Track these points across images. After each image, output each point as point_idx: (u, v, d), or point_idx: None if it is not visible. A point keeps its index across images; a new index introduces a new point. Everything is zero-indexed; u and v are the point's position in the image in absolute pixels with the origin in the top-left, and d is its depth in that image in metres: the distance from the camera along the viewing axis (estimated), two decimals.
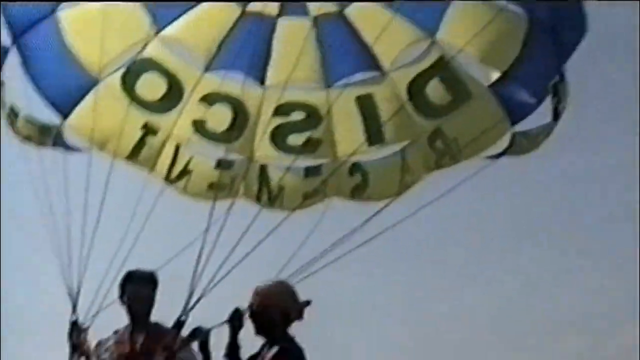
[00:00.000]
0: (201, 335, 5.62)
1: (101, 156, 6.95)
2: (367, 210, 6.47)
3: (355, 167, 7.28)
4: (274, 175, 7.36)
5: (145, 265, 6.08)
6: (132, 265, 6.11)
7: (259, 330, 5.27)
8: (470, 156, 6.90)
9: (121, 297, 5.93)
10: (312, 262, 6.02)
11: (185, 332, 5.81)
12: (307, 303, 5.37)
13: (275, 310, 5.27)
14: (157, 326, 5.93)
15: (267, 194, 7.31)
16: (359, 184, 7.29)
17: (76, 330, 5.86)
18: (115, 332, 5.92)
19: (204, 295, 6.01)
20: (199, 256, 6.02)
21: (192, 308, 5.95)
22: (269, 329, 5.26)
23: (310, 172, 7.35)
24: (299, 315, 5.32)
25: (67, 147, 7.01)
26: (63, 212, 6.20)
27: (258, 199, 7.33)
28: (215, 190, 7.16)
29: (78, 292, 6.02)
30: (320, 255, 6.07)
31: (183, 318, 5.85)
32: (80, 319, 5.97)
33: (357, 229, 6.20)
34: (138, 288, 5.87)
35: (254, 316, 5.35)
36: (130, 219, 6.41)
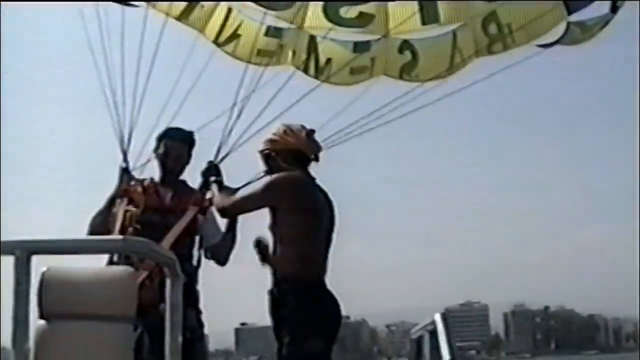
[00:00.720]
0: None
1: (156, 13, 6.98)
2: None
3: (405, 45, 7.21)
4: (323, 47, 7.31)
5: (189, 124, 6.19)
6: (177, 123, 6.24)
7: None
8: (522, 43, 6.84)
9: (156, 150, 6.00)
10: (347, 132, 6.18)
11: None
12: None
13: (283, 149, 5.41)
14: (185, 184, 6.01)
15: (315, 64, 7.32)
16: (408, 62, 7.24)
17: (126, 176, 6.01)
18: (140, 181, 5.96)
19: (232, 151, 6.19)
20: (237, 114, 6.17)
21: (220, 161, 6.14)
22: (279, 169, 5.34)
23: (359, 47, 7.29)
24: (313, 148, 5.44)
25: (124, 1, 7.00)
26: (118, 64, 6.28)
27: (305, 69, 7.35)
28: (263, 56, 7.21)
29: (129, 141, 6.17)
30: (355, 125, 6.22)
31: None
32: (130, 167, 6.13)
33: (400, 104, 6.30)
34: (173, 144, 5.95)
35: (266, 160, 5.51)
36: (179, 76, 6.53)
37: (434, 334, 3.44)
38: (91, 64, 6.33)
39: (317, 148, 5.51)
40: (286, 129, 5.52)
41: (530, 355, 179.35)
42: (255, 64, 7.14)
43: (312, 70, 7.33)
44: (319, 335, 4.92)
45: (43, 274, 3.64)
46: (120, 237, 3.22)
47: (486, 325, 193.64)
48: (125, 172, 6.04)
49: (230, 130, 6.26)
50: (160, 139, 6.00)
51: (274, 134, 5.55)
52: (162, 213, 5.72)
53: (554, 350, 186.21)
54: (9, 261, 3.06)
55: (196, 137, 6.08)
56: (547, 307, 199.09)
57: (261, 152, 5.57)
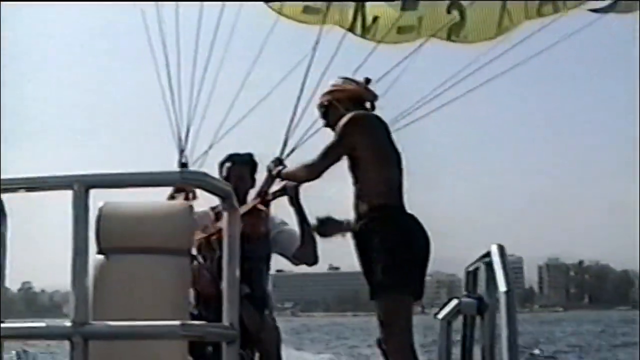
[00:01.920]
0: (290, 190, 5.71)
1: None
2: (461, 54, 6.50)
3: (453, 5, 7.16)
4: (370, 5, 7.28)
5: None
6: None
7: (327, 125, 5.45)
8: (574, 6, 6.76)
9: (219, 176, 5.93)
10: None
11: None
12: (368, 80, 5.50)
13: (343, 97, 5.39)
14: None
15: (362, 22, 7.28)
16: (457, 22, 7.18)
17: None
18: (212, 208, 5.85)
19: (298, 147, 6.21)
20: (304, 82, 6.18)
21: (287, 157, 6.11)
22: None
23: (407, 5, 7.25)
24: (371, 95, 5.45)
25: None
26: (175, 53, 6.35)
27: (352, 28, 7.31)
28: (310, 14, 7.18)
29: (187, 137, 6.22)
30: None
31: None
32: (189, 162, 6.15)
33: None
34: (234, 166, 5.90)
35: (325, 112, 5.49)
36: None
37: (489, 265, 3.39)
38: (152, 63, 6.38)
39: (375, 96, 5.51)
40: (344, 79, 5.55)
41: (563, 309, 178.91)
42: (302, 22, 7.13)
43: (358, 29, 7.28)
44: (410, 261, 4.86)
45: (100, 209, 3.73)
46: (177, 169, 3.17)
47: (520, 278, 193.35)
48: (184, 166, 6.02)
49: (295, 124, 6.25)
50: (222, 164, 6.00)
51: (333, 85, 5.55)
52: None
53: (587, 305, 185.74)
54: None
55: (257, 159, 6.04)
56: (581, 262, 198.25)
57: (320, 104, 5.55)
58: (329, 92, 5.50)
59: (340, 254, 5.09)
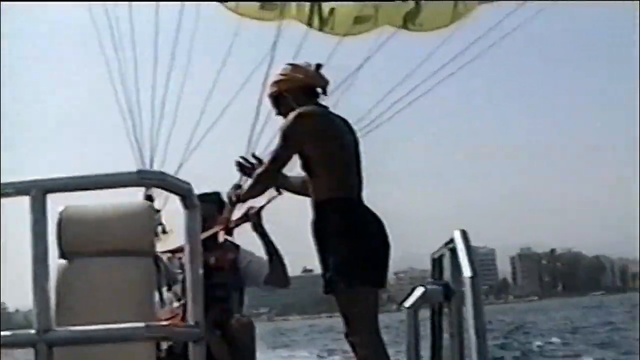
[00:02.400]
0: (252, 216, 5.62)
1: None
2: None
3: None
4: None
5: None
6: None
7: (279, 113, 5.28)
8: None
9: None
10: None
11: None
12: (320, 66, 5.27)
13: (292, 87, 5.19)
14: (228, 242, 5.87)
15: (319, 16, 7.25)
16: (411, 10, 7.18)
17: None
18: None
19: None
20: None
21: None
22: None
23: None
24: (322, 81, 5.25)
25: None
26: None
27: (309, 22, 7.28)
28: (267, 9, 7.15)
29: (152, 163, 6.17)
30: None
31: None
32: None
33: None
34: (204, 206, 5.77)
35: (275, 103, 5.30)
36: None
37: (454, 251, 3.34)
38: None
39: (326, 81, 5.27)
40: (292, 66, 5.30)
41: (538, 298, 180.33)
42: (259, 18, 7.09)
43: (316, 23, 7.26)
44: (364, 250, 4.73)
45: (61, 213, 3.66)
46: (134, 169, 3.08)
47: (493, 270, 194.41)
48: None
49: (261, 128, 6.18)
50: None
51: (280, 74, 5.30)
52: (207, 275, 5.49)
53: (561, 292, 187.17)
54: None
55: (223, 197, 5.87)
56: (553, 250, 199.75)
57: (270, 95, 5.32)
58: (276, 82, 5.27)
59: (313, 256, 5.02)
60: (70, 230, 3.65)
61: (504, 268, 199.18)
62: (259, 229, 5.71)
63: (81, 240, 3.69)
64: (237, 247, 5.79)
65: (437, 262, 4.08)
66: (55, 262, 3.85)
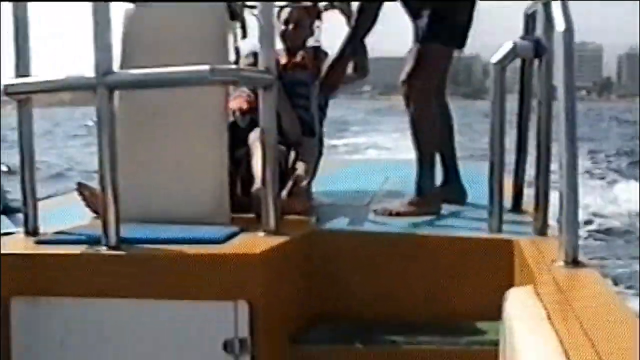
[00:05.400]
0: None
1: None
2: None
3: None
4: None
5: None
6: None
7: None
8: None
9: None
10: None
11: None
12: None
13: None
14: None
15: None
16: None
17: None
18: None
19: None
20: None
21: None
22: None
23: None
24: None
25: None
26: None
27: None
28: None
29: None
30: None
31: None
32: None
33: None
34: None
35: None
36: None
37: (547, 5, 2.97)
38: None
39: None
40: None
41: None
42: None
43: None
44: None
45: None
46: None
47: (599, 67, 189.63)
48: None
49: None
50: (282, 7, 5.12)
51: None
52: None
53: None
54: None
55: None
56: None
57: None
58: None
59: None
60: None
61: (609, 66, 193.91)
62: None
63: None
64: (326, 54, 5.21)
65: (529, 18, 3.72)
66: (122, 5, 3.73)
